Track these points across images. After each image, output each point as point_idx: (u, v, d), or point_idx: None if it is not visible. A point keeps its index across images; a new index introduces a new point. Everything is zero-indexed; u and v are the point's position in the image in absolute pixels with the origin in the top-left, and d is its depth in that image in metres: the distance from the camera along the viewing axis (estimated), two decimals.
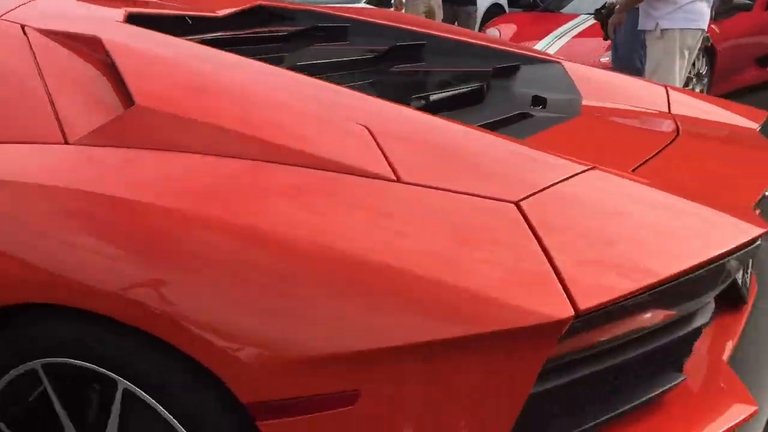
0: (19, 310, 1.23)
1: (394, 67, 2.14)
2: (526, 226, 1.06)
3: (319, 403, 1.06)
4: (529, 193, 1.12)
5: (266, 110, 1.33)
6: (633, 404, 1.17)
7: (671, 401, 1.22)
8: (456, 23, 7.54)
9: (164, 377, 1.15)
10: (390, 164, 1.17)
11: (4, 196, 1.27)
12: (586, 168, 1.22)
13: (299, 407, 1.07)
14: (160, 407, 1.15)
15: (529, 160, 1.27)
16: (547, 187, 1.15)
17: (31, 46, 1.45)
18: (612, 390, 1.18)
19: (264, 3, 2.42)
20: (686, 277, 1.09)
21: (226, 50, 1.59)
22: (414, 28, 2.33)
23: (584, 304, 0.99)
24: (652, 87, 2.12)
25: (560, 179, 1.18)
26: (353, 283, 1.04)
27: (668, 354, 1.22)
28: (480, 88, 1.96)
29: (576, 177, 1.20)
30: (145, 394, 1.16)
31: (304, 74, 1.56)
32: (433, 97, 1.78)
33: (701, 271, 1.11)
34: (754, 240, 1.18)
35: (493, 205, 1.10)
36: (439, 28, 2.53)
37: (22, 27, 1.49)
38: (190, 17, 2.05)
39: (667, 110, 1.96)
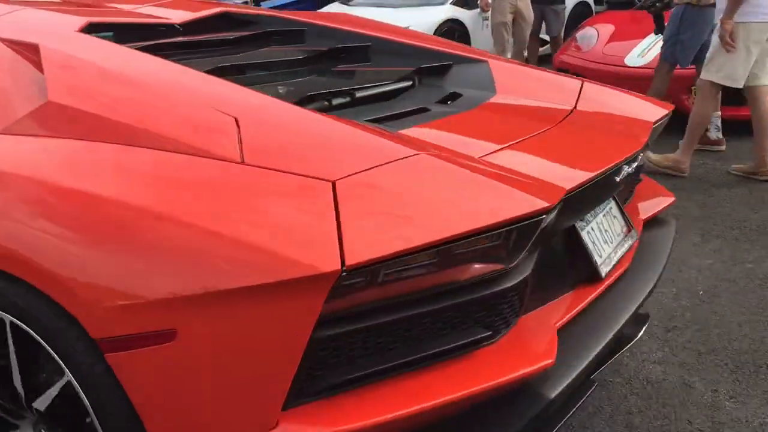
0: None
1: (333, 68, 2.36)
2: (332, 200, 1.27)
3: (148, 340, 1.28)
4: (348, 174, 1.33)
5: (145, 102, 1.59)
6: (424, 354, 1.37)
7: (480, 354, 1.43)
8: (543, 23, 7.55)
9: (37, 313, 1.40)
10: (240, 149, 1.40)
11: None
12: (413, 153, 1.43)
13: (132, 343, 1.29)
14: (40, 339, 1.40)
15: (366, 146, 1.47)
16: (368, 169, 1.36)
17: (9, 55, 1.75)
18: (407, 340, 1.35)
19: (230, 10, 2.68)
20: (460, 242, 1.29)
21: (179, 54, 2.01)
22: (366, 32, 2.52)
23: (352, 260, 1.18)
24: (571, 83, 2.27)
25: (383, 162, 1.39)
26: (162, 238, 1.30)
27: (462, 312, 1.40)
28: (395, 86, 2.20)
29: (400, 161, 1.40)
30: (27, 328, 1.42)
31: (237, 73, 1.98)
32: (337, 96, 1.99)
33: (475, 237, 1.29)
34: (533, 214, 1.35)
35: (312, 182, 1.31)
36: (391, 31, 2.71)
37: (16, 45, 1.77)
38: (157, 24, 2.35)
39: (572, 105, 2.12)
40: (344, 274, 1.18)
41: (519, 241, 1.41)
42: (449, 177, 1.43)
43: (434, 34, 7.55)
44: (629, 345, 2.02)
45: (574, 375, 1.51)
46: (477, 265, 1.37)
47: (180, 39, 2.30)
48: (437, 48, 2.45)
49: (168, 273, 1.29)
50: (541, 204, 1.38)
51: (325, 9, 8.59)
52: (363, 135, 1.52)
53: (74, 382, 1.37)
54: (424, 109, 2.02)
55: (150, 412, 1.33)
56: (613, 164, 1.75)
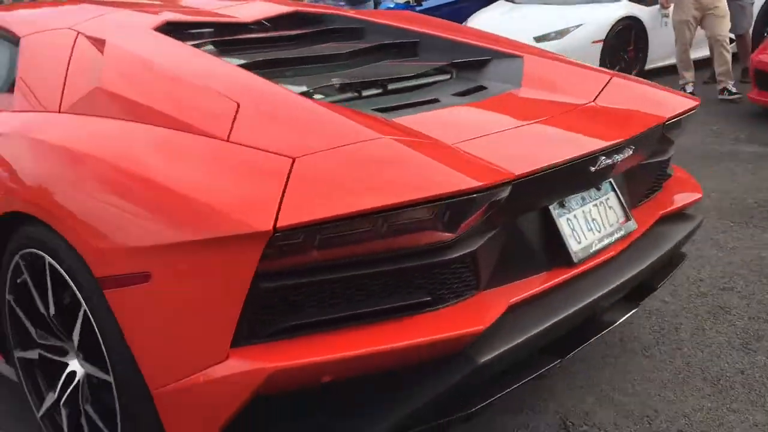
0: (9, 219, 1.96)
1: (381, 61, 2.62)
2: (286, 173, 1.51)
3: (129, 279, 1.60)
4: (310, 152, 1.59)
5: (169, 90, 1.93)
6: (362, 311, 1.56)
7: (421, 317, 1.60)
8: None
9: (63, 255, 1.79)
10: (230, 129, 1.69)
11: (14, 143, 2.08)
12: (376, 137, 1.65)
13: (120, 282, 1.62)
14: (67, 276, 1.79)
15: (339, 130, 1.70)
16: (330, 149, 1.60)
17: (74, 45, 2.19)
18: (347, 298, 1.55)
19: (301, 9, 3.01)
20: (391, 212, 1.47)
21: (240, 50, 2.48)
22: (419, 29, 2.79)
23: (285, 222, 1.42)
24: (602, 77, 2.39)
25: (347, 143, 1.63)
26: (140, 198, 1.64)
27: (400, 277, 1.58)
28: (427, 79, 2.43)
29: (363, 143, 1.64)
30: (58, 266, 1.81)
31: (294, 66, 2.38)
32: (368, 87, 2.25)
33: (405, 209, 1.48)
34: (463, 192, 1.52)
35: (276, 158, 1.57)
36: (446, 28, 2.92)
37: (77, 33, 2.23)
38: (230, 23, 2.73)
39: (589, 99, 2.25)
40: (277, 234, 1.42)
41: (455, 216, 1.56)
42: (401, 157, 1.62)
43: (609, 32, 7.57)
44: (610, 328, 2.11)
45: (508, 346, 1.63)
46: (412, 236, 1.54)
47: (244, 36, 2.66)
48: (480, 44, 2.61)
49: (142, 226, 1.62)
50: (472, 183, 1.53)
51: (491, 6, 8.76)
52: (341, 120, 1.74)
53: (89, 313, 1.73)
54: (435, 101, 2.20)
55: (133, 338, 1.64)
56: (581, 154, 1.84)
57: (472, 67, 2.52)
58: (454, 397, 1.64)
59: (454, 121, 2.03)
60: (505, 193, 1.62)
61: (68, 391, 1.92)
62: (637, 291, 2.20)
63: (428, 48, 2.69)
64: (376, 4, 7.41)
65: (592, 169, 1.90)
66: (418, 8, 9.60)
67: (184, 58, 2.09)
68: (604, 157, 1.91)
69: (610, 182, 2.12)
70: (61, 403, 1.94)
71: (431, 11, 8.83)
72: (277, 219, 1.42)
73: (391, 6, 9.81)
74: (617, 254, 2.03)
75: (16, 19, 2.60)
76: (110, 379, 1.72)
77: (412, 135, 1.75)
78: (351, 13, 3.18)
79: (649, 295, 2.34)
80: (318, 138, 1.66)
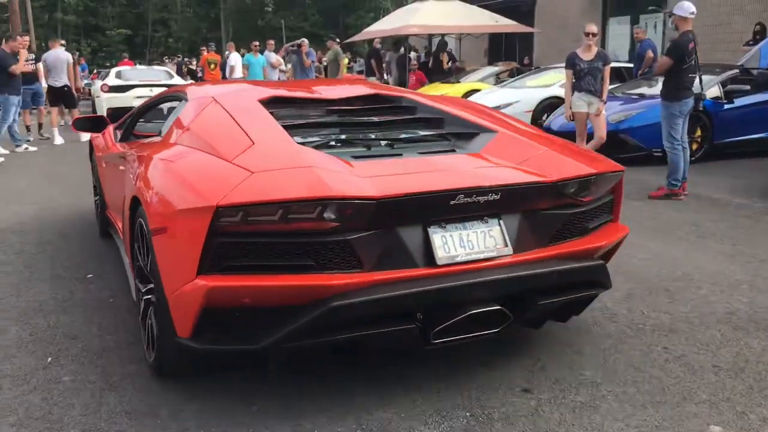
0: None
1: (404, 129, 3.57)
2: (243, 179, 2.61)
3: (158, 231, 2.83)
4: (264, 170, 2.72)
5: (219, 131, 3.22)
6: (275, 264, 2.56)
7: (305, 275, 2.58)
8: None
9: (144, 220, 3.09)
10: (236, 156, 2.84)
11: (143, 158, 3.42)
12: (305, 166, 2.74)
13: (156, 231, 2.85)
14: (145, 230, 3.06)
15: (294, 161, 2.80)
16: (276, 169, 2.73)
17: (205, 105, 3.54)
18: (268, 254, 2.55)
19: (379, 92, 4.00)
20: (286, 204, 2.50)
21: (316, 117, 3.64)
22: (447, 107, 3.75)
23: (222, 202, 2.46)
24: (539, 151, 3.20)
25: (288, 167, 2.75)
26: (168, 185, 2.92)
27: (295, 248, 2.56)
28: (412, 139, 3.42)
29: (295, 169, 2.73)
30: (144, 224, 3.10)
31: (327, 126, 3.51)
32: (372, 141, 3.35)
33: (294, 203, 2.50)
34: (327, 198, 2.50)
35: (244, 171, 2.68)
36: (470, 108, 3.98)
37: (212, 99, 3.56)
38: (319, 99, 3.87)
39: (514, 162, 3.06)
40: (218, 209, 2.47)
41: (333, 213, 2.52)
42: (309, 176, 2.65)
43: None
44: (485, 334, 2.87)
45: (355, 300, 2.52)
46: (301, 224, 2.54)
47: (315, 108, 3.80)
48: (483, 122, 3.50)
49: (167, 200, 2.84)
50: (337, 194, 2.53)
51: None
52: (301, 157, 2.85)
53: (153, 252, 2.89)
54: (399, 155, 3.14)
55: (160, 266, 2.80)
56: (436, 189, 2.69)
57: (465, 137, 3.39)
58: (317, 327, 2.54)
59: (389, 166, 2.91)
60: (368, 207, 2.56)
61: (143, 294, 3.23)
62: (513, 310, 2.83)
63: (451, 123, 3.58)
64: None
65: (452, 203, 2.70)
66: (727, 106, 9.32)
67: (251, 117, 3.30)
68: (462, 196, 2.70)
69: (498, 219, 2.84)
70: (142, 298, 3.25)
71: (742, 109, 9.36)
72: (219, 201, 2.49)
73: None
74: (483, 267, 2.76)
75: (193, 89, 4.03)
76: (152, 287, 3.02)
77: (338, 168, 2.79)
78: (410, 94, 4.14)
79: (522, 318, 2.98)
80: (280, 164, 2.78)
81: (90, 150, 5.90)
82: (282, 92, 3.88)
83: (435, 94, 13.83)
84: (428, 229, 2.71)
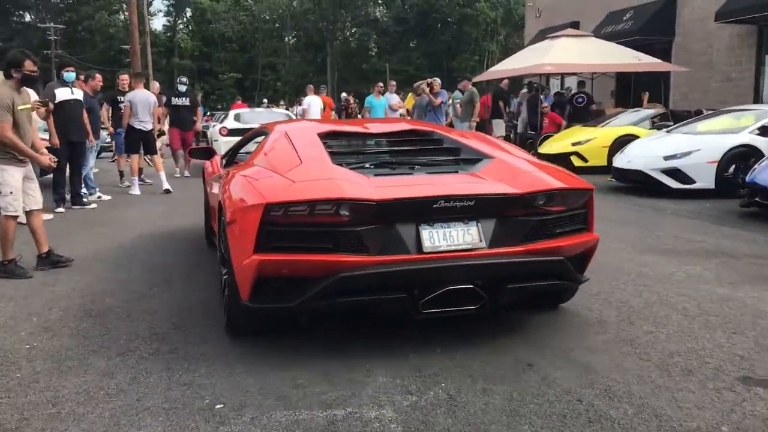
0: None
1: (424, 155, 4.43)
2: (288, 185, 3.55)
3: (230, 222, 3.82)
4: (303, 180, 3.62)
5: (281, 154, 4.14)
6: (307, 245, 3.42)
7: (327, 255, 3.40)
8: None
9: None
10: (288, 170, 3.76)
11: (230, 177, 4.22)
12: (329, 178, 3.61)
13: (228, 223, 3.86)
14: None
15: (326, 174, 3.69)
16: (311, 180, 3.61)
17: (277, 136, 4.56)
18: (303, 238, 3.41)
19: (414, 128, 5.03)
20: (312, 202, 3.37)
21: (363, 151, 4.59)
22: (464, 141, 4.60)
23: (270, 200, 3.39)
24: (526, 175, 3.85)
25: (318, 179, 3.62)
26: (240, 190, 3.83)
27: (318, 236, 3.42)
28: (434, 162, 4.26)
29: (324, 179, 3.59)
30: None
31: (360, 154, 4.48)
32: (399, 163, 4.19)
33: (313, 203, 3.37)
34: (340, 199, 3.35)
35: (288, 181, 3.61)
36: (481, 140, 4.83)
37: (285, 132, 4.63)
38: (365, 133, 4.97)
39: (496, 178, 3.77)
40: (267, 204, 3.35)
41: (347, 211, 3.35)
42: (328, 184, 3.50)
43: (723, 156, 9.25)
44: (465, 309, 3.60)
45: (359, 273, 3.32)
46: (323, 216, 3.36)
47: (361, 140, 4.89)
48: (487, 151, 4.28)
49: (234, 201, 3.75)
50: (347, 196, 3.36)
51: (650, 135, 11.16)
52: (332, 172, 3.70)
53: (227, 238, 3.84)
54: (410, 173, 3.92)
55: (231, 248, 3.69)
56: (421, 196, 3.45)
57: (471, 161, 4.15)
58: (331, 292, 3.35)
59: (397, 180, 3.72)
60: (371, 207, 3.36)
61: (222, 275, 4.19)
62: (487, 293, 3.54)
63: (464, 152, 4.39)
64: None
65: (435, 206, 3.43)
66: None
67: (306, 146, 4.18)
68: (442, 201, 3.43)
69: (477, 221, 3.53)
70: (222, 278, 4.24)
71: None
72: (269, 199, 3.38)
73: None
74: (461, 255, 3.46)
75: (276, 126, 4.99)
76: (226, 268, 3.89)
77: (357, 180, 3.61)
78: (440, 130, 5.06)
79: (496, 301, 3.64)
80: (315, 177, 3.64)
81: (202, 175, 7.00)
82: (338, 128, 4.97)
83: (583, 136, 12.52)
84: (419, 226, 3.46)
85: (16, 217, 5.49)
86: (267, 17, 62.56)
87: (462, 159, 4.24)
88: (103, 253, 6.35)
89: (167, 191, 10.79)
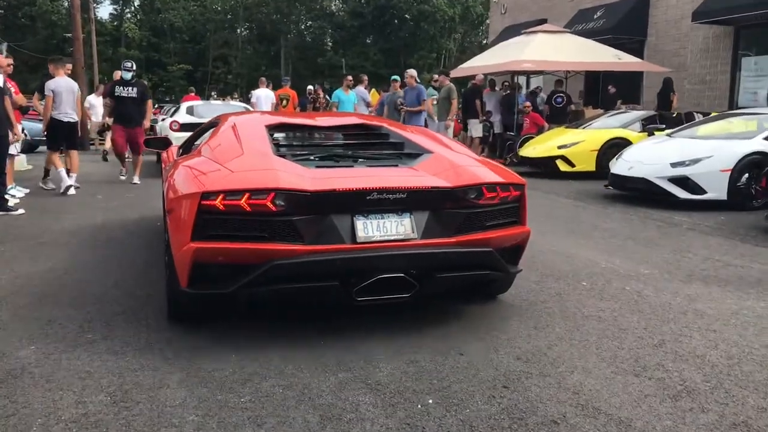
0: None
1: (368, 149, 4.46)
2: (227, 174, 3.61)
3: (169, 211, 4.00)
4: (242, 170, 3.67)
5: (225, 145, 4.15)
6: (240, 234, 3.45)
7: (256, 243, 3.45)
8: None
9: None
10: (228, 161, 3.77)
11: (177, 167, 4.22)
12: (270, 168, 3.65)
13: (168, 211, 4.02)
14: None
15: (266, 164, 3.73)
16: (251, 170, 3.65)
17: (224, 126, 4.62)
18: (239, 226, 3.45)
19: (363, 122, 5.10)
20: (246, 191, 3.41)
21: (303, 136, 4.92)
22: (405, 135, 4.67)
23: (205, 189, 3.43)
24: (462, 169, 3.90)
25: (259, 168, 3.65)
26: (185, 176, 3.87)
27: (249, 222, 3.44)
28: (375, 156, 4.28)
29: (263, 170, 3.62)
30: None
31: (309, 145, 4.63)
32: (339, 156, 4.20)
33: (244, 191, 3.41)
34: (273, 188, 3.40)
35: (227, 170, 3.65)
36: (423, 134, 4.88)
37: (234, 123, 4.58)
38: (310, 126, 5.05)
39: (430, 172, 3.85)
40: (203, 193, 3.40)
41: (279, 201, 3.39)
42: (266, 174, 3.54)
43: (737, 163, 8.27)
44: (398, 298, 3.66)
45: (292, 261, 3.37)
46: (258, 207, 3.39)
47: (306, 132, 4.97)
48: (427, 146, 4.30)
49: (174, 188, 3.82)
50: (280, 186, 3.41)
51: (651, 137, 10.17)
52: (273, 163, 3.74)
53: (167, 226, 4.04)
54: (351, 166, 3.95)
55: (171, 236, 3.76)
56: (350, 188, 3.49)
57: (413, 156, 4.17)
58: (265, 279, 3.40)
59: (336, 172, 3.73)
60: (306, 197, 3.41)
61: (166, 261, 4.08)
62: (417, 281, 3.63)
63: (408, 146, 4.41)
64: None
65: (368, 198, 3.50)
66: None
67: (251, 137, 4.21)
68: (375, 193, 3.51)
69: (410, 213, 3.61)
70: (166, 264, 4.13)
71: None
72: (205, 188, 3.43)
73: None
74: (393, 246, 3.54)
75: (227, 118, 4.92)
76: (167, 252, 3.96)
77: (296, 171, 3.65)
78: (388, 125, 5.04)
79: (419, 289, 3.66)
80: (253, 167, 3.67)
81: (159, 164, 7.24)
82: (287, 120, 4.96)
83: (568, 139, 11.45)
84: (353, 217, 3.53)
85: None
86: (218, 8, 60.31)
87: (404, 153, 4.32)
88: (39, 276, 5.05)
89: (67, 189, 9.41)
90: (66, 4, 53.81)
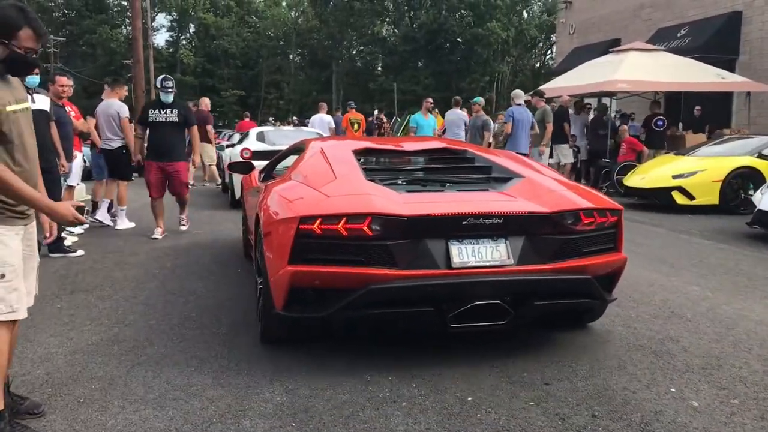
0: None
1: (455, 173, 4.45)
2: (323, 199, 3.59)
3: (266, 235, 3.92)
4: (337, 195, 3.64)
5: (316, 170, 4.14)
6: (338, 258, 3.42)
7: (356, 267, 3.41)
8: None
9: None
10: (322, 185, 3.79)
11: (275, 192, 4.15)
12: (363, 193, 3.64)
13: (265, 235, 3.94)
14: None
15: (359, 189, 3.73)
16: (346, 195, 3.63)
17: (314, 152, 4.55)
18: (336, 250, 3.41)
19: (447, 146, 5.00)
20: (344, 215, 3.39)
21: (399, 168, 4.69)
22: (495, 159, 4.57)
23: (303, 213, 3.42)
24: (554, 195, 3.80)
25: (352, 194, 3.65)
26: (278, 202, 3.89)
27: (345, 248, 3.42)
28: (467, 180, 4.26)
29: (358, 194, 3.63)
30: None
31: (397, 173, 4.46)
32: (430, 180, 4.23)
33: (343, 216, 3.38)
34: (371, 213, 3.38)
35: (323, 195, 3.63)
36: (512, 159, 4.74)
37: (321, 149, 4.55)
38: (398, 151, 4.99)
39: (523, 196, 3.75)
40: (302, 218, 3.38)
41: (376, 226, 3.35)
42: (360, 199, 3.53)
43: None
44: (493, 325, 3.56)
45: (388, 286, 3.31)
46: (353, 229, 3.35)
47: (393, 157, 5.00)
48: (516, 170, 4.25)
49: (271, 212, 3.81)
50: (380, 211, 3.37)
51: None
52: (365, 188, 3.72)
53: (263, 249, 4.00)
54: (441, 190, 3.92)
55: (267, 259, 3.77)
56: (449, 213, 3.43)
57: (502, 180, 4.12)
58: (361, 303, 3.35)
59: (428, 197, 3.72)
60: (401, 222, 3.35)
61: (258, 284, 4.25)
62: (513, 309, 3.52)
63: (498, 170, 4.33)
64: None
65: (464, 223, 3.41)
66: None
67: (341, 162, 4.19)
68: (471, 218, 3.41)
69: (505, 238, 3.49)
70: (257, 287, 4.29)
71: None
72: (304, 212, 3.41)
73: None
74: (489, 272, 3.43)
75: (311, 143, 4.91)
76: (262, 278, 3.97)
77: (389, 196, 3.62)
78: (471, 148, 5.06)
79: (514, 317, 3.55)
80: (348, 192, 3.66)
81: (241, 189, 7.35)
82: (372, 146, 4.99)
83: (684, 168, 9.80)
84: (448, 242, 3.43)
85: (14, 322, 2.81)
86: (271, 34, 60.18)
87: (492, 177, 4.25)
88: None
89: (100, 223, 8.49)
90: (125, 31, 54.33)
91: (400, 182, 4.03)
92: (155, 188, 7.89)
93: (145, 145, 7.97)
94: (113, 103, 8.52)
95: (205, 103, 14.69)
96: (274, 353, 3.85)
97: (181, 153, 8.04)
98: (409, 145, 5.03)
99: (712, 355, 3.82)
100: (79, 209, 2.92)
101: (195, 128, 8.27)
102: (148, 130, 7.93)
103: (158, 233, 7.85)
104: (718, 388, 3.36)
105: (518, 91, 10.89)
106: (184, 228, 8.37)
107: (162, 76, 8.15)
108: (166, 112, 7.82)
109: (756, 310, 4.77)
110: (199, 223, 8.98)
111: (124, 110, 8.53)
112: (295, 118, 30.95)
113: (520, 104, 10.55)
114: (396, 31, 57.06)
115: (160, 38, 63.98)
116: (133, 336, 4.20)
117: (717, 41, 16.70)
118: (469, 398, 3.25)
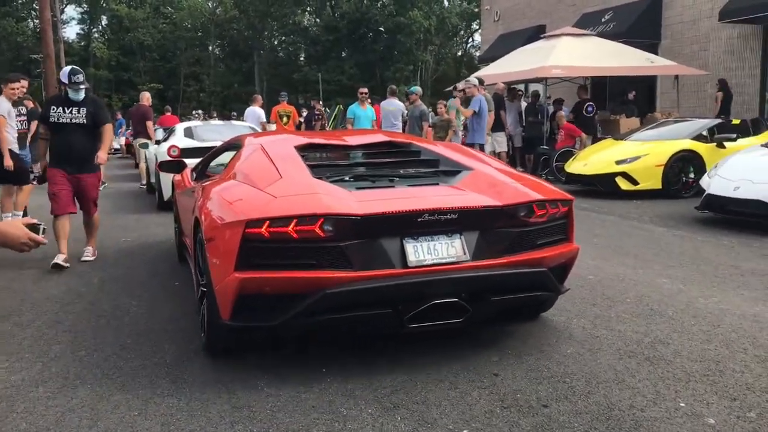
0: None
1: (403, 168, 4.23)
2: (269, 201, 3.34)
3: (209, 240, 3.57)
4: (283, 195, 3.40)
5: (258, 167, 3.90)
6: (290, 263, 3.20)
7: (306, 271, 3.21)
8: None
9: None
10: (267, 185, 3.53)
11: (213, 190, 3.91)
12: (313, 192, 3.42)
13: (207, 240, 3.61)
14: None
15: (307, 189, 3.49)
16: (293, 195, 3.41)
17: (252, 150, 4.28)
18: (287, 254, 3.21)
19: (392, 139, 4.77)
20: (293, 217, 3.17)
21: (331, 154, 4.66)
22: (440, 151, 4.42)
23: (250, 216, 3.17)
24: (503, 186, 3.72)
25: (299, 194, 3.44)
26: (220, 204, 3.65)
27: (297, 249, 3.21)
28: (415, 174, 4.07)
29: (306, 194, 3.41)
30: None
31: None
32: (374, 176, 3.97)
33: (290, 218, 3.17)
34: (322, 214, 3.17)
35: (269, 196, 3.40)
36: (459, 151, 4.59)
37: (261, 145, 4.29)
38: (341, 145, 4.75)
39: (473, 189, 3.64)
40: (248, 221, 3.15)
41: (328, 226, 3.17)
42: (310, 199, 3.33)
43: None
44: (451, 323, 3.43)
45: (344, 289, 3.14)
46: (306, 233, 3.16)
47: (337, 152, 4.67)
48: (466, 163, 4.10)
49: (214, 216, 3.53)
50: (331, 211, 3.19)
51: None
52: (313, 187, 3.51)
53: (207, 256, 3.65)
54: (391, 186, 3.73)
55: (211, 266, 3.46)
56: (397, 210, 3.26)
57: (451, 173, 3.96)
58: (315, 309, 3.18)
59: (379, 194, 3.53)
60: (355, 222, 3.18)
61: (199, 288, 3.97)
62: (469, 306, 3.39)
63: (443, 163, 4.19)
64: None
65: (419, 220, 3.27)
66: None
67: (284, 159, 3.93)
68: (426, 215, 3.27)
69: (460, 234, 3.38)
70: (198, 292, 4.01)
71: None
72: (250, 216, 3.19)
73: None
74: (446, 269, 3.30)
75: (249, 139, 4.69)
76: (204, 282, 3.67)
77: (339, 195, 3.43)
78: (417, 141, 4.84)
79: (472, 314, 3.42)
80: (296, 191, 3.44)
81: (172, 188, 6.96)
82: (316, 140, 4.69)
83: (626, 153, 9.56)
84: (403, 240, 3.29)
85: None
86: (189, 25, 58.11)
87: (441, 171, 4.09)
88: None
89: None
90: (32, 24, 51.27)
91: (348, 179, 3.83)
92: (60, 203, 6.26)
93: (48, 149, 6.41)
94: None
95: (146, 97, 13.61)
96: (230, 386, 3.33)
97: (92, 162, 6.31)
98: (352, 140, 4.81)
99: (708, 359, 3.54)
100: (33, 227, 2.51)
101: (109, 126, 6.47)
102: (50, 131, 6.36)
103: (61, 259, 6.18)
104: (728, 399, 3.06)
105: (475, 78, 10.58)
106: (88, 259, 6.51)
107: (69, 68, 6.41)
108: (71, 111, 6.24)
109: (734, 302, 4.56)
110: (126, 230, 8.24)
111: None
112: (234, 113, 29.82)
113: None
114: (318, 20, 56.20)
115: (71, 31, 60.83)
116: (60, 373, 3.58)
117: (640, 26, 16.91)
118: (465, 431, 2.84)
